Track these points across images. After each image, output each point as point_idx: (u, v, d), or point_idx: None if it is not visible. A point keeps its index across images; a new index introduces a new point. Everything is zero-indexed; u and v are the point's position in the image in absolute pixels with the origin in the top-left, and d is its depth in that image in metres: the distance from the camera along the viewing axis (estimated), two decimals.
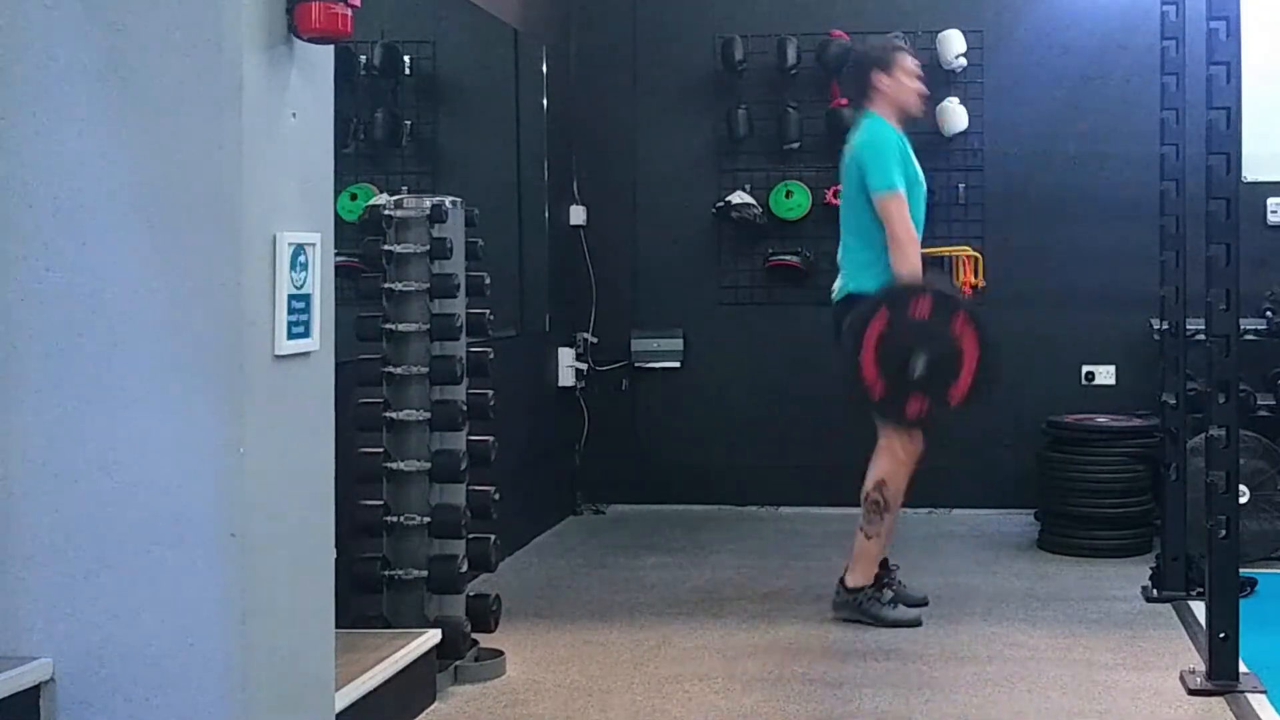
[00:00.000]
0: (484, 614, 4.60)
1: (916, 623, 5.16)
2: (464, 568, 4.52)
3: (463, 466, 4.52)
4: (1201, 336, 4.59)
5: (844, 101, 6.90)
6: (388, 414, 4.49)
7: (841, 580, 5.26)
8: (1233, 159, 4.38)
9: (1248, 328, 6.06)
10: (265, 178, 2.81)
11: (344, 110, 4.05)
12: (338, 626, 3.18)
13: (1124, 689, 4.43)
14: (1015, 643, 4.95)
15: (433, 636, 4.30)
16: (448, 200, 4.57)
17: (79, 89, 2.76)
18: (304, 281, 2.91)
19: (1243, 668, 4.38)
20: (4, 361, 2.80)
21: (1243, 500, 5.45)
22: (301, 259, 2.90)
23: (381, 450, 4.49)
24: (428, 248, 4.50)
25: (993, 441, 7.12)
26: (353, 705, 3.67)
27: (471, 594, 4.61)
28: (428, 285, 4.51)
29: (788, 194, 7.31)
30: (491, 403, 4.65)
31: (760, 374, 7.43)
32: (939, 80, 7.15)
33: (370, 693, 3.82)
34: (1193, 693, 4.33)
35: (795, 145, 7.26)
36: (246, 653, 2.77)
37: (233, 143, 2.73)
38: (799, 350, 7.26)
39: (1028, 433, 6.85)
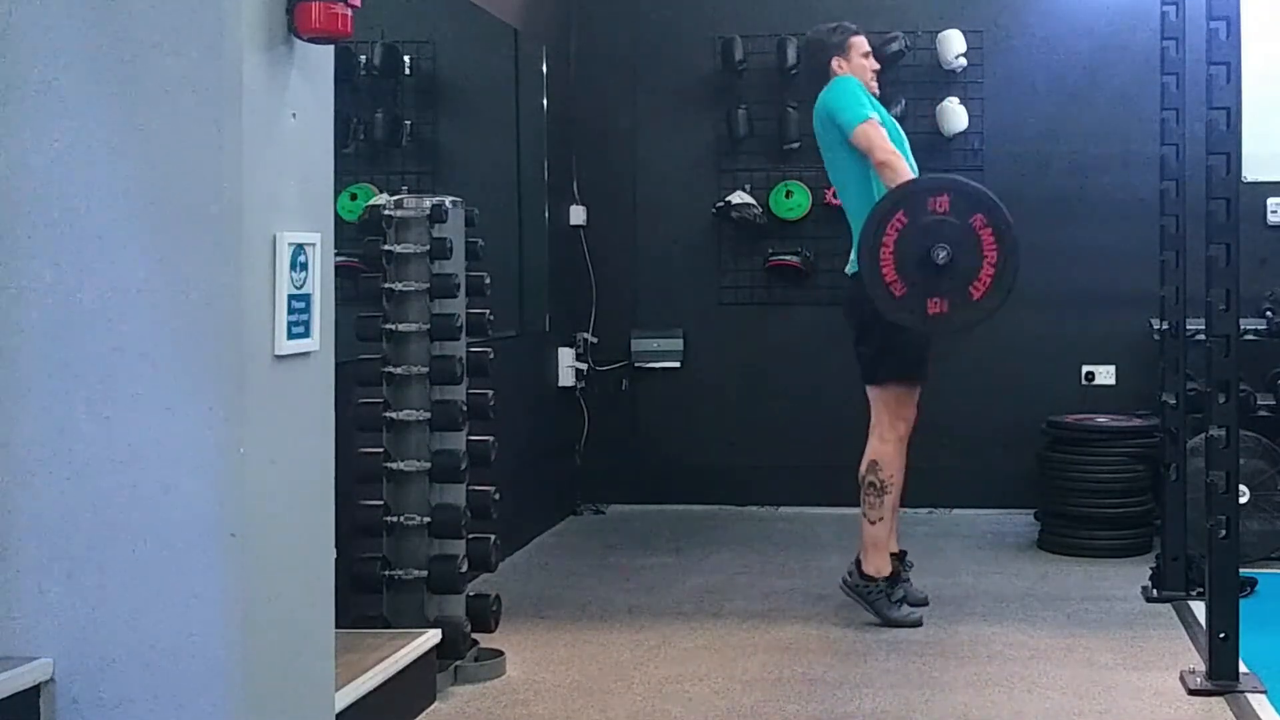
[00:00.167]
0: (484, 614, 4.60)
1: (917, 623, 5.16)
2: (464, 568, 4.52)
3: (463, 466, 4.52)
4: (1201, 336, 4.59)
5: None
6: (388, 414, 4.49)
7: (857, 563, 5.22)
8: (1233, 159, 4.38)
9: (1248, 328, 6.07)
10: (265, 178, 2.81)
11: (344, 110, 4.06)
12: (338, 626, 3.18)
13: (1124, 689, 4.43)
14: (1015, 643, 4.95)
15: (433, 636, 4.30)
16: (448, 200, 4.57)
17: (79, 89, 2.75)
18: (304, 281, 2.91)
19: (1243, 668, 4.38)
20: (4, 361, 2.79)
21: (1243, 500, 5.46)
22: (301, 259, 2.90)
23: (381, 450, 4.49)
24: (428, 248, 4.50)
25: (993, 441, 7.12)
26: (353, 705, 3.67)
27: (471, 594, 4.61)
28: (428, 285, 4.51)
29: (788, 194, 7.31)
30: (491, 403, 4.65)
31: (760, 374, 7.43)
32: (939, 80, 7.17)
33: (370, 693, 3.82)
34: (1193, 693, 4.33)
35: (795, 145, 7.25)
36: (246, 652, 2.77)
37: (233, 143, 2.73)
38: (799, 350, 7.27)
39: (1028, 433, 6.84)
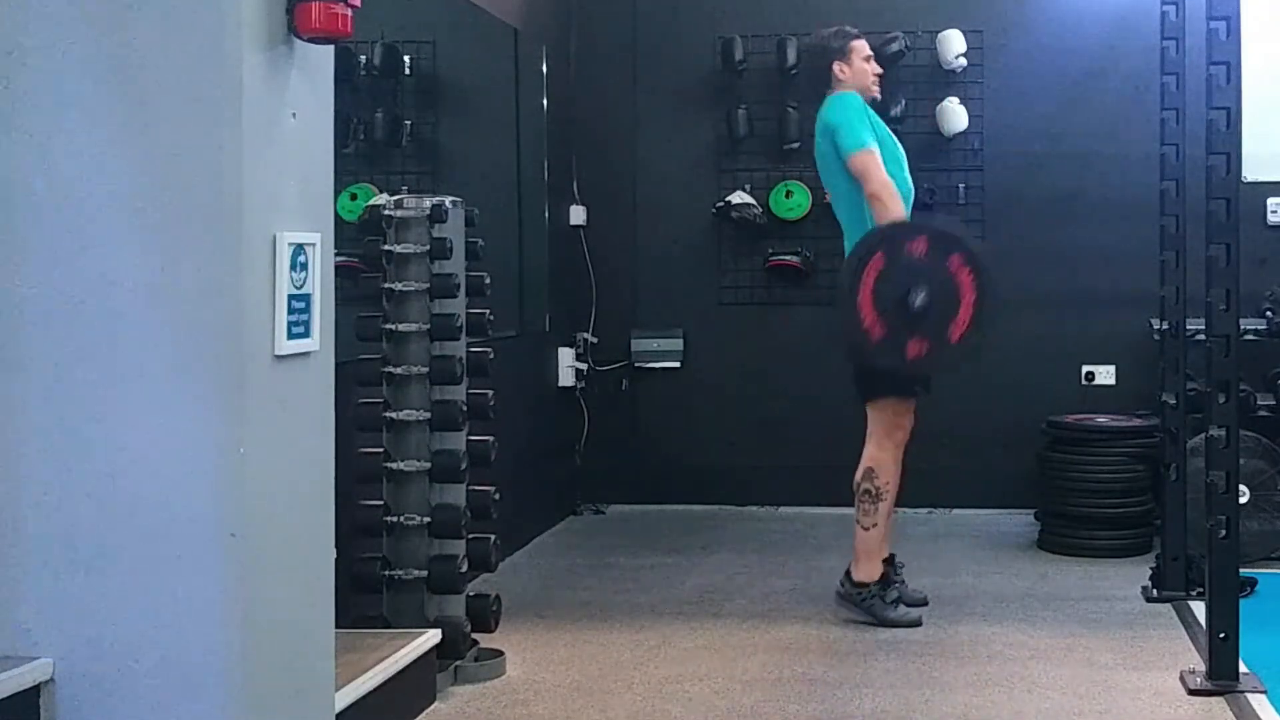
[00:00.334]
0: (484, 614, 4.60)
1: (917, 623, 5.16)
2: (464, 568, 4.51)
3: (463, 466, 4.52)
4: (1201, 336, 4.59)
5: None
6: (388, 414, 4.49)
7: (847, 573, 5.25)
8: (1233, 159, 4.38)
9: (1248, 328, 6.06)
10: (265, 178, 2.81)
11: (344, 110, 4.06)
12: (338, 626, 3.18)
13: (1124, 689, 4.43)
14: (1015, 643, 4.95)
15: (433, 636, 4.30)
16: (448, 200, 4.57)
17: (79, 89, 2.76)
18: (304, 281, 2.91)
19: (1243, 668, 4.38)
20: (4, 361, 2.80)
21: (1243, 500, 5.46)
22: (301, 259, 2.90)
23: (381, 450, 4.49)
24: (428, 248, 4.50)
25: (993, 441, 7.12)
26: (353, 705, 3.67)
27: (471, 594, 4.61)
28: (428, 285, 4.51)
29: (788, 194, 7.31)
30: (491, 403, 4.65)
31: (760, 374, 7.43)
32: (939, 80, 7.17)
33: (370, 693, 3.82)
34: (1193, 693, 4.33)
35: (795, 145, 7.25)
36: (246, 652, 2.77)
37: (233, 143, 2.73)
38: (799, 350, 7.26)
39: (1028, 433, 6.84)
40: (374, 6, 3.10)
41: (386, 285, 4.49)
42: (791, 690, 4.47)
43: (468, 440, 4.58)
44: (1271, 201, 6.92)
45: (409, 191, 4.77)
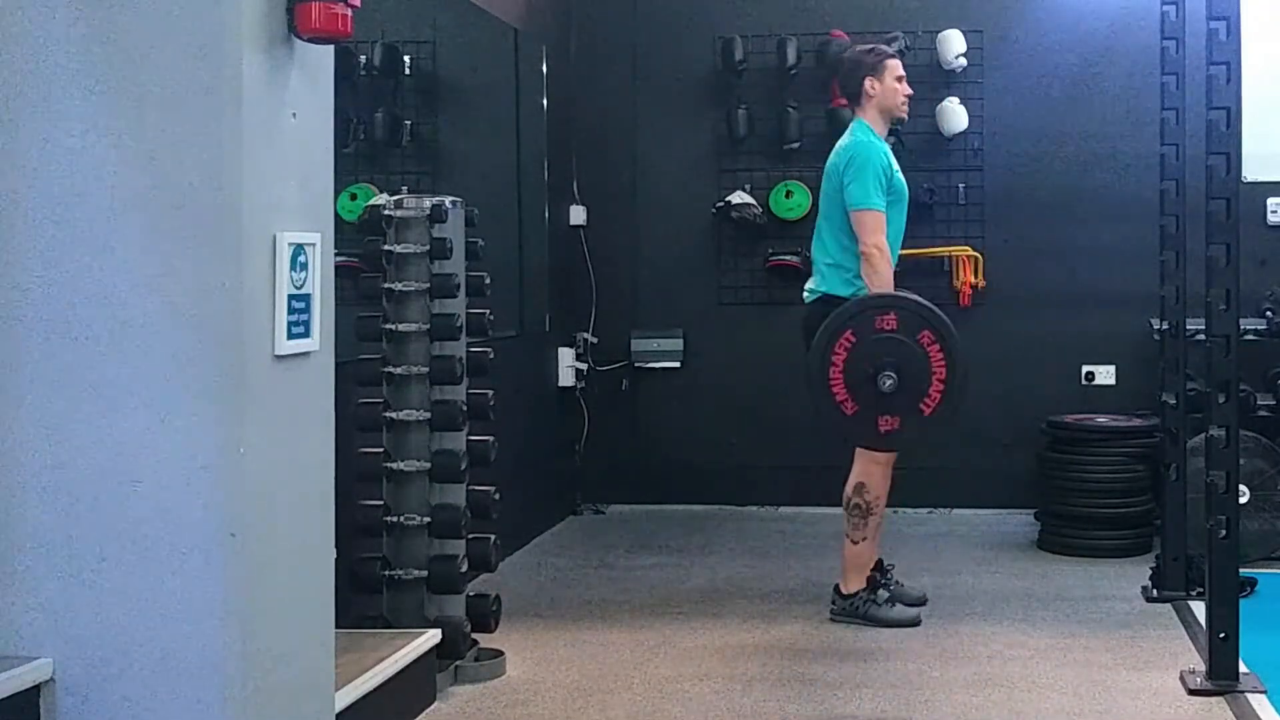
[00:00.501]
0: (484, 614, 4.60)
1: (915, 622, 5.16)
2: (464, 568, 4.51)
3: (463, 466, 4.52)
4: (1201, 336, 4.59)
5: (843, 101, 6.89)
6: (388, 414, 4.49)
7: (836, 588, 5.26)
8: (1233, 159, 4.38)
9: (1248, 328, 6.06)
10: (265, 178, 2.81)
11: (344, 110, 4.06)
12: (338, 626, 3.18)
13: (1124, 689, 4.43)
14: (1015, 643, 4.95)
15: (433, 636, 4.30)
16: (448, 200, 4.57)
17: (79, 89, 2.76)
18: (304, 281, 2.91)
19: (1243, 668, 4.38)
20: (4, 361, 2.80)
21: (1243, 500, 5.46)
22: (301, 259, 2.90)
23: (381, 450, 4.49)
24: (428, 248, 4.50)
25: (993, 441, 7.12)
26: (353, 705, 3.67)
27: (471, 594, 4.61)
28: (428, 285, 4.51)
29: (788, 194, 7.31)
30: (491, 403, 4.65)
31: (760, 374, 7.42)
32: (939, 80, 7.17)
33: (370, 693, 3.82)
34: (1193, 693, 4.33)
35: (795, 145, 7.26)
36: (246, 653, 2.77)
37: (233, 143, 2.73)
38: (799, 350, 7.21)
39: (1028, 433, 6.84)
40: (374, 6, 3.11)
41: (386, 285, 4.49)
42: (791, 690, 4.47)
43: (468, 440, 4.58)
44: (1271, 201, 6.91)
45: (409, 191, 4.77)
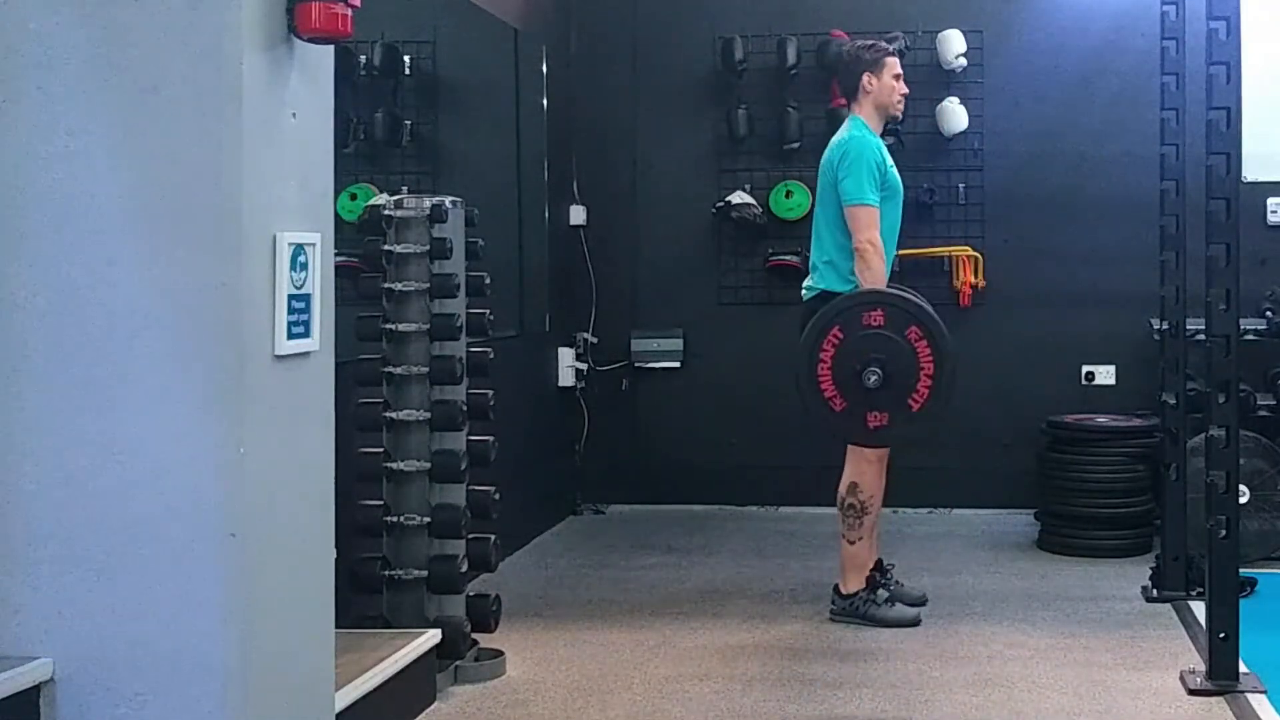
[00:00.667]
0: (484, 614, 4.60)
1: (915, 621, 5.16)
2: (464, 568, 4.52)
3: (463, 466, 4.52)
4: (1201, 336, 4.59)
5: (843, 101, 6.90)
6: (388, 414, 4.49)
7: (836, 588, 5.26)
8: (1233, 159, 4.38)
9: (1248, 328, 6.06)
10: (265, 178, 2.81)
11: (344, 110, 4.06)
12: (338, 626, 3.18)
13: (1124, 689, 4.43)
14: (1015, 643, 4.95)
15: (433, 636, 4.30)
16: (448, 200, 4.57)
17: (79, 89, 2.76)
18: (304, 281, 2.91)
19: (1243, 668, 4.38)
20: (5, 362, 2.80)
21: (1243, 500, 5.45)
22: (301, 259, 2.90)
23: (381, 450, 4.49)
24: (428, 248, 4.50)
25: (993, 441, 7.12)
26: (353, 705, 3.67)
27: (471, 594, 4.61)
28: (428, 285, 4.51)
29: (788, 194, 7.31)
30: (491, 403, 4.65)
31: (760, 374, 7.41)
32: (939, 80, 7.17)
33: (370, 693, 3.82)
34: (1193, 693, 4.33)
35: (795, 145, 7.26)
36: (246, 653, 2.77)
37: (233, 143, 2.73)
38: None
39: (1028, 433, 6.84)
40: (374, 6, 3.10)
41: (386, 285, 4.49)
42: (791, 690, 4.47)
43: (468, 440, 4.58)
44: (1271, 201, 6.91)
45: (409, 191, 4.77)
